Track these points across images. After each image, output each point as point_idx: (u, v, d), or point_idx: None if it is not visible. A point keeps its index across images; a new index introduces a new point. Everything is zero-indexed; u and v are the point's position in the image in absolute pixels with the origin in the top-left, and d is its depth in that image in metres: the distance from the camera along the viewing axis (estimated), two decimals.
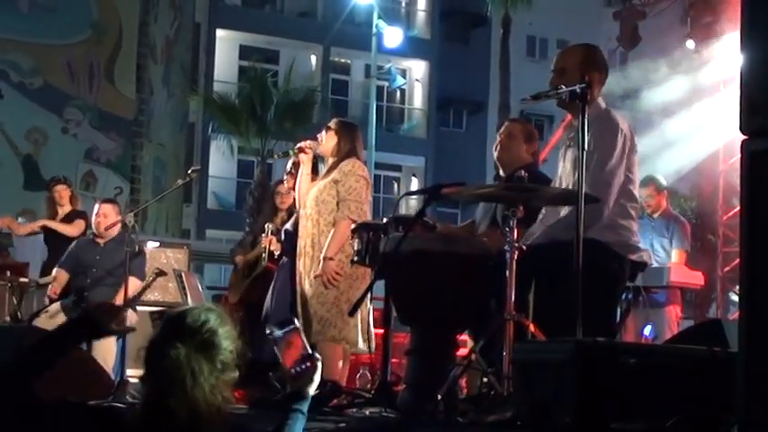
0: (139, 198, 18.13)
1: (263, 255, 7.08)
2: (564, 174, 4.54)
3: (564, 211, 4.47)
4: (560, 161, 4.64)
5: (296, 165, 6.79)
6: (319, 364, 3.09)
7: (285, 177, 7.01)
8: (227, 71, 27.21)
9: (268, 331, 3.16)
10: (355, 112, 27.44)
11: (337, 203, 5.75)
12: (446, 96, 30.41)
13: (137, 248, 7.68)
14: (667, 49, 11.69)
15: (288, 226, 6.77)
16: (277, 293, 6.57)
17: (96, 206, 7.76)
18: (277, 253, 7.01)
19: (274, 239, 7.03)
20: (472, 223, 5.46)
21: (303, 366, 3.04)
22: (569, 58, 4.56)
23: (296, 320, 3.19)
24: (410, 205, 24.88)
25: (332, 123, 6.04)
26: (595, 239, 4.16)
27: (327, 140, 5.92)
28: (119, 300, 7.28)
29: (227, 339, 2.63)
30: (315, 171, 6.16)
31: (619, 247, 4.36)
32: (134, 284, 7.54)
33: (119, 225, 7.63)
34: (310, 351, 3.09)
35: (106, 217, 7.61)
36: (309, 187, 5.96)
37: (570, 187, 4.37)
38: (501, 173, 5.42)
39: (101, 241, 7.71)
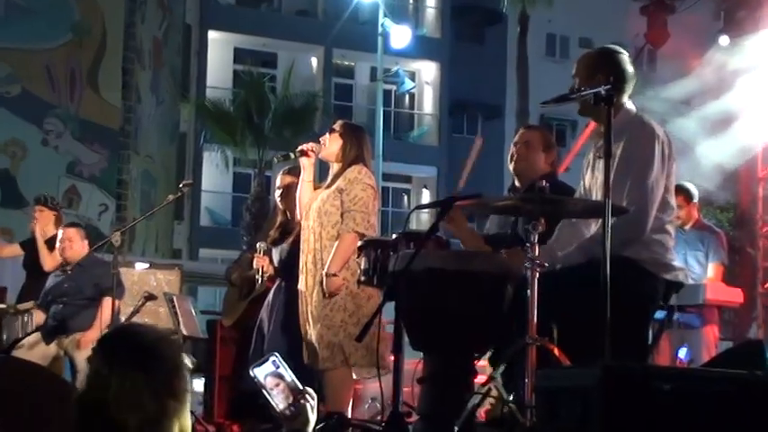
0: (126, 216, 18.14)
1: (257, 277, 7.05)
2: (596, 186, 4.54)
3: (594, 225, 4.47)
4: (587, 171, 4.64)
5: (287, 187, 6.74)
6: (313, 400, 3.06)
7: (278, 199, 6.94)
8: (220, 76, 27.29)
9: (251, 374, 3.13)
10: (360, 118, 27.48)
11: (341, 215, 5.73)
12: (459, 100, 30.46)
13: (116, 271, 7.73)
14: (699, 47, 11.69)
15: (285, 246, 6.73)
16: (274, 321, 6.51)
17: (60, 231, 7.89)
18: (267, 274, 6.98)
19: (267, 260, 7.02)
20: (483, 238, 5.45)
21: (296, 405, 3.01)
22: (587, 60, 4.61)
23: (276, 355, 3.16)
24: (422, 220, 24.86)
25: (336, 125, 5.98)
26: (626, 257, 4.16)
27: (331, 144, 5.88)
28: (95, 328, 7.42)
29: (174, 371, 2.56)
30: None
31: (652, 266, 4.36)
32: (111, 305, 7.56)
33: (85, 248, 7.82)
34: (300, 386, 3.06)
35: (71, 241, 7.80)
36: (312, 197, 5.94)
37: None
38: (517, 184, 5.43)
39: (68, 268, 7.90)
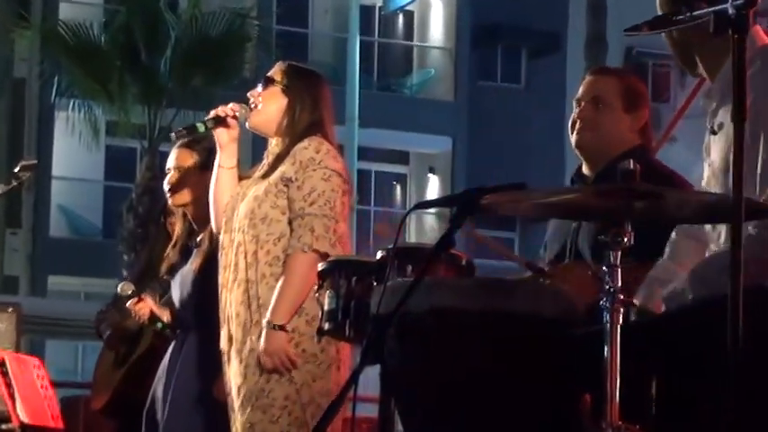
0: None
1: (159, 329, 7.09)
2: (713, 171, 4.56)
3: (722, 235, 4.50)
4: (704, 153, 4.66)
5: (182, 169, 6.78)
6: None
7: (167, 191, 6.96)
8: None
9: None
10: (321, 55, 27.57)
11: (290, 222, 5.78)
12: (489, 25, 30.53)
13: None
14: None
15: (187, 271, 6.76)
16: (172, 399, 6.55)
17: None
18: (165, 319, 7.04)
19: (149, 301, 7.07)
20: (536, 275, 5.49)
21: None
22: None
23: None
24: (425, 226, 24.91)
25: (275, 72, 6.06)
26: (763, 287, 4.19)
27: (268, 104, 5.97)
28: None
29: None
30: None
31: None
32: None
33: None
34: None
35: None
36: (238, 193, 5.98)
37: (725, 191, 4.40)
38: (585, 169, 5.46)
39: None
